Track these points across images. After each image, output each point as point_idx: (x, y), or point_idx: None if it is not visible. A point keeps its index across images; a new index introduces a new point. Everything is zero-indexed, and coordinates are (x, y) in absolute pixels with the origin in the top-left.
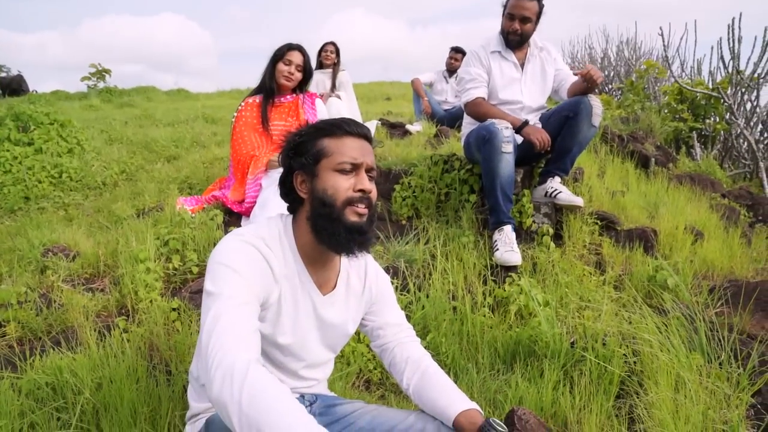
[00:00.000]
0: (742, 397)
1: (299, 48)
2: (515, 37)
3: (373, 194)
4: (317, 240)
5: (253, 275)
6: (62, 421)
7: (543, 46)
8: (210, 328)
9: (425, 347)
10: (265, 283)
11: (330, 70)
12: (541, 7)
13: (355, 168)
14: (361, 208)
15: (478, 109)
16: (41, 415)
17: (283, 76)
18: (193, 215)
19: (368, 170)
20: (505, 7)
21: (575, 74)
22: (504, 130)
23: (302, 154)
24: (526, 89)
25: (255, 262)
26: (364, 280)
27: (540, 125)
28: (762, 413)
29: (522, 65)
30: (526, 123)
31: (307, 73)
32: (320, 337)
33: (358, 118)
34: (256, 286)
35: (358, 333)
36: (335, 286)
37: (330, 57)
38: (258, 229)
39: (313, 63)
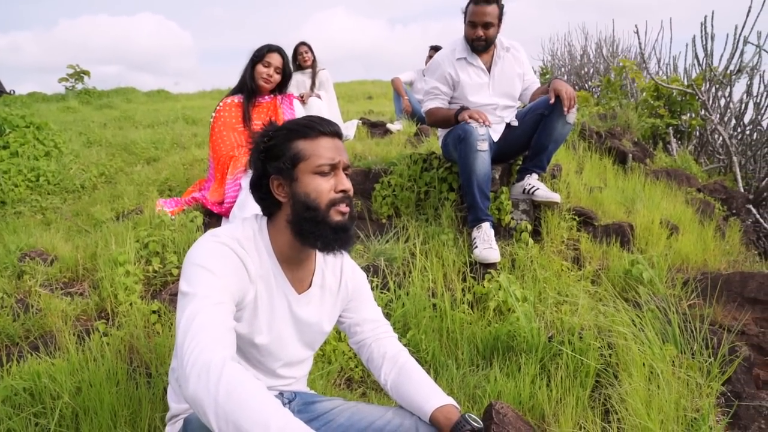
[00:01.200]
0: (713, 386)
1: (278, 50)
2: (480, 43)
3: (352, 191)
4: (301, 242)
5: (227, 275)
6: (41, 426)
7: (510, 45)
8: (185, 328)
9: (405, 344)
10: (240, 283)
11: (309, 70)
12: (501, 8)
13: (333, 168)
14: (344, 207)
15: (433, 119)
16: (19, 421)
17: (262, 78)
18: (173, 217)
19: (345, 168)
20: (465, 14)
21: (546, 92)
22: (479, 129)
23: (277, 157)
24: (495, 92)
25: (230, 263)
26: (339, 277)
27: (516, 123)
28: (732, 400)
29: (489, 68)
30: (461, 109)
31: (285, 76)
32: (297, 336)
33: (339, 118)
34: (231, 286)
35: (339, 332)
36: (310, 285)
37: (306, 57)
38: (233, 230)
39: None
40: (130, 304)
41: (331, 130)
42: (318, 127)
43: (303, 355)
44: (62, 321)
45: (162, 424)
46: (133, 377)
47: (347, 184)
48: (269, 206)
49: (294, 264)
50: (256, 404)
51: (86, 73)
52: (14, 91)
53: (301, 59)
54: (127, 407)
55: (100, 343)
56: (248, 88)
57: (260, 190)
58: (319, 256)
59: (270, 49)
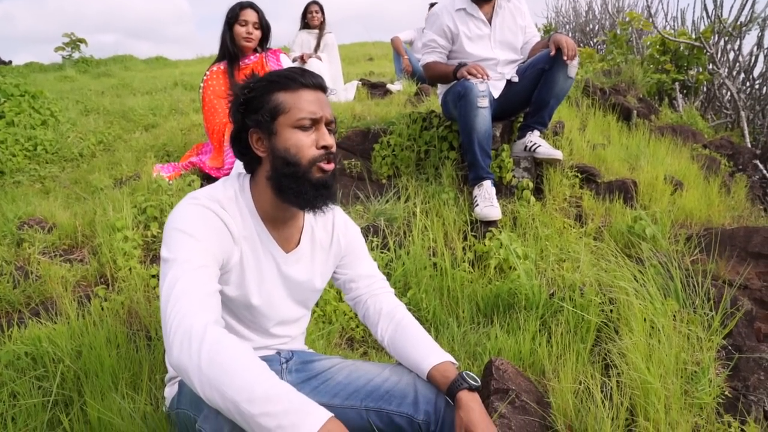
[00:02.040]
0: (714, 339)
1: (251, 5)
2: None
3: (334, 148)
4: (281, 199)
5: (209, 238)
6: (43, 389)
7: None
8: (167, 294)
9: (406, 303)
10: (222, 245)
11: (316, 30)
12: None
13: (315, 123)
14: (326, 164)
15: (431, 73)
16: (22, 384)
17: (243, 38)
18: (170, 182)
19: (328, 123)
20: None
21: (546, 46)
22: (479, 85)
23: (256, 110)
24: (496, 44)
25: (210, 225)
26: (331, 233)
27: (516, 79)
28: (732, 353)
29: (490, 20)
30: (460, 65)
31: (265, 29)
32: (288, 295)
33: (341, 81)
34: (212, 248)
35: (339, 292)
36: (299, 243)
37: (316, 17)
38: (212, 191)
39: (299, 24)
40: (130, 269)
41: (314, 83)
42: (300, 79)
43: (297, 314)
44: (62, 287)
45: (163, 386)
46: (134, 340)
47: (329, 140)
48: (250, 162)
49: (279, 222)
50: (239, 369)
51: (82, 41)
52: (12, 62)
53: (310, 18)
54: (128, 370)
55: (100, 308)
56: (230, 53)
57: (240, 144)
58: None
59: (242, 6)
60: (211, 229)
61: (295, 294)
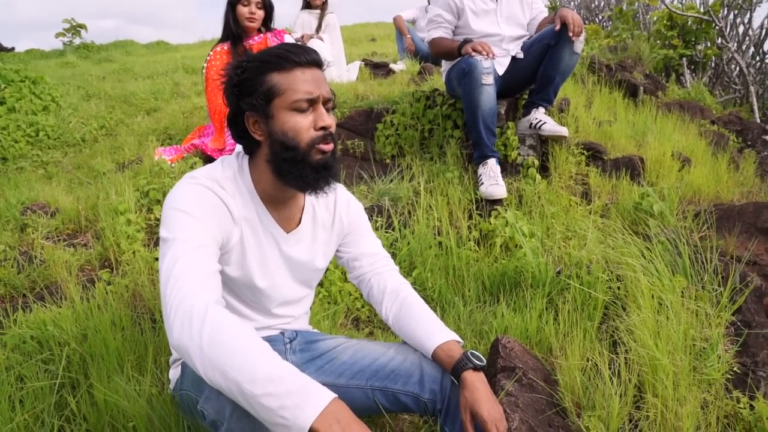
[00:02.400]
0: (723, 316)
1: None
2: None
3: (334, 127)
4: (282, 182)
5: (208, 217)
6: (50, 372)
7: None
8: (166, 274)
9: (411, 283)
10: (222, 225)
11: (318, 10)
12: None
13: (312, 103)
14: (325, 146)
15: (436, 50)
16: (28, 367)
17: (246, 18)
18: (173, 165)
19: (325, 102)
20: None
21: (552, 21)
22: (483, 62)
23: (250, 92)
24: (502, 19)
25: (210, 204)
26: (333, 211)
27: (521, 55)
28: (741, 329)
29: None
30: (465, 41)
31: (268, 8)
32: (290, 275)
33: (343, 61)
34: (212, 227)
35: (345, 272)
36: (300, 222)
37: None
38: (211, 170)
39: (301, 3)
40: (133, 252)
41: (308, 60)
42: (293, 58)
43: (299, 294)
44: (66, 271)
45: (168, 368)
46: (138, 323)
47: (328, 120)
48: (248, 144)
49: (279, 203)
50: (241, 349)
51: (83, 26)
52: (14, 48)
53: None
54: (133, 352)
55: (105, 292)
56: (234, 33)
57: (237, 128)
58: None
59: None
60: (210, 209)
61: (297, 274)
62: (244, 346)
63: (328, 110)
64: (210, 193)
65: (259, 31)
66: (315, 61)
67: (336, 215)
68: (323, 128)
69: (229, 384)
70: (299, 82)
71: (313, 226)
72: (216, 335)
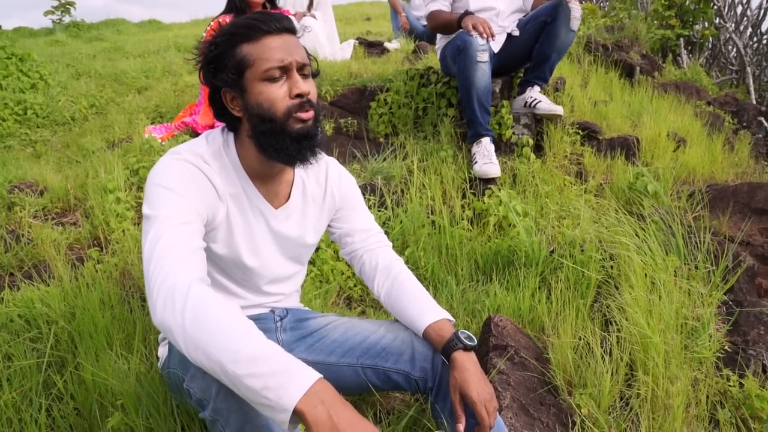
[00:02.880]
0: (715, 295)
1: None
2: None
3: (313, 93)
4: (265, 156)
5: (192, 193)
6: (38, 351)
7: None
8: (149, 252)
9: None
10: (207, 201)
11: None
12: None
13: (285, 71)
14: (304, 114)
15: (435, 22)
16: (16, 346)
17: None
18: (163, 143)
19: (300, 68)
20: None
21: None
22: (478, 39)
23: (223, 68)
24: None
25: (193, 180)
26: (324, 186)
27: (517, 32)
28: (733, 308)
29: None
30: (465, 14)
31: None
32: (279, 252)
33: (336, 40)
34: (196, 204)
35: (336, 251)
36: (289, 198)
37: None
38: (195, 146)
39: None
40: (123, 231)
41: (279, 27)
42: (261, 26)
43: (290, 271)
44: (54, 250)
45: (156, 345)
46: (127, 302)
47: (303, 87)
48: (229, 121)
49: (267, 178)
50: (224, 328)
51: (72, 4)
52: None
53: None
54: (122, 330)
55: (94, 270)
56: (237, 7)
57: (216, 106)
58: None
59: None
60: (194, 185)
61: (287, 250)
62: (227, 325)
63: (305, 76)
64: (194, 168)
65: (264, 7)
66: (286, 28)
67: (327, 189)
68: (299, 95)
69: (213, 364)
70: (269, 50)
71: (303, 201)
72: (199, 314)
